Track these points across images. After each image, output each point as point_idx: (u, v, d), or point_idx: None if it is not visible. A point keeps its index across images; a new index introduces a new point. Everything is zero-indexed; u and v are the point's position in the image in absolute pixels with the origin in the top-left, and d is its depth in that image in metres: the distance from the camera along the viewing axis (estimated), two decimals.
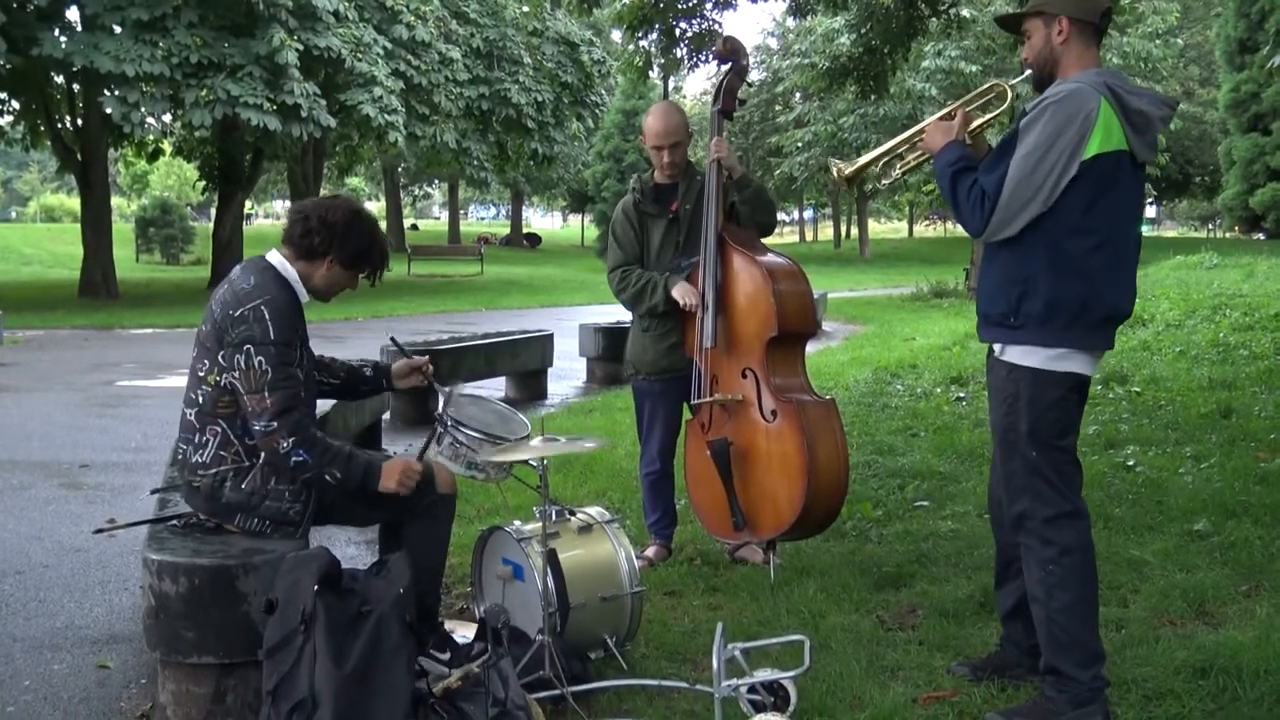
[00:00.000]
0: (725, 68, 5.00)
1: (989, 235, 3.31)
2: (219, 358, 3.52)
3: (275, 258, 3.67)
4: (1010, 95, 3.69)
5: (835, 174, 3.98)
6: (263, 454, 3.57)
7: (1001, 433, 3.39)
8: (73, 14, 21.79)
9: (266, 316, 3.48)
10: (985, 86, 3.78)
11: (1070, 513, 3.32)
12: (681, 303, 4.75)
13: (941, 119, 3.59)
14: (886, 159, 3.85)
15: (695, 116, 44.32)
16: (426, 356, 4.18)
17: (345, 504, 3.76)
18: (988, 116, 3.67)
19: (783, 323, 4.58)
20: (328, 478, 3.56)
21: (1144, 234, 3.53)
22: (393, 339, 4.78)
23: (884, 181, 3.96)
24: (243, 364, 3.46)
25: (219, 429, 3.59)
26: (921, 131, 3.67)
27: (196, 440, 3.61)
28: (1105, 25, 3.42)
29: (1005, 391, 3.36)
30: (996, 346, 3.42)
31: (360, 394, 4.23)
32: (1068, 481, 3.35)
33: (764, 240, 4.96)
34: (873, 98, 12.25)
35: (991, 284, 3.39)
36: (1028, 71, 3.47)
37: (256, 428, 3.49)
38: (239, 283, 3.58)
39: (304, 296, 3.68)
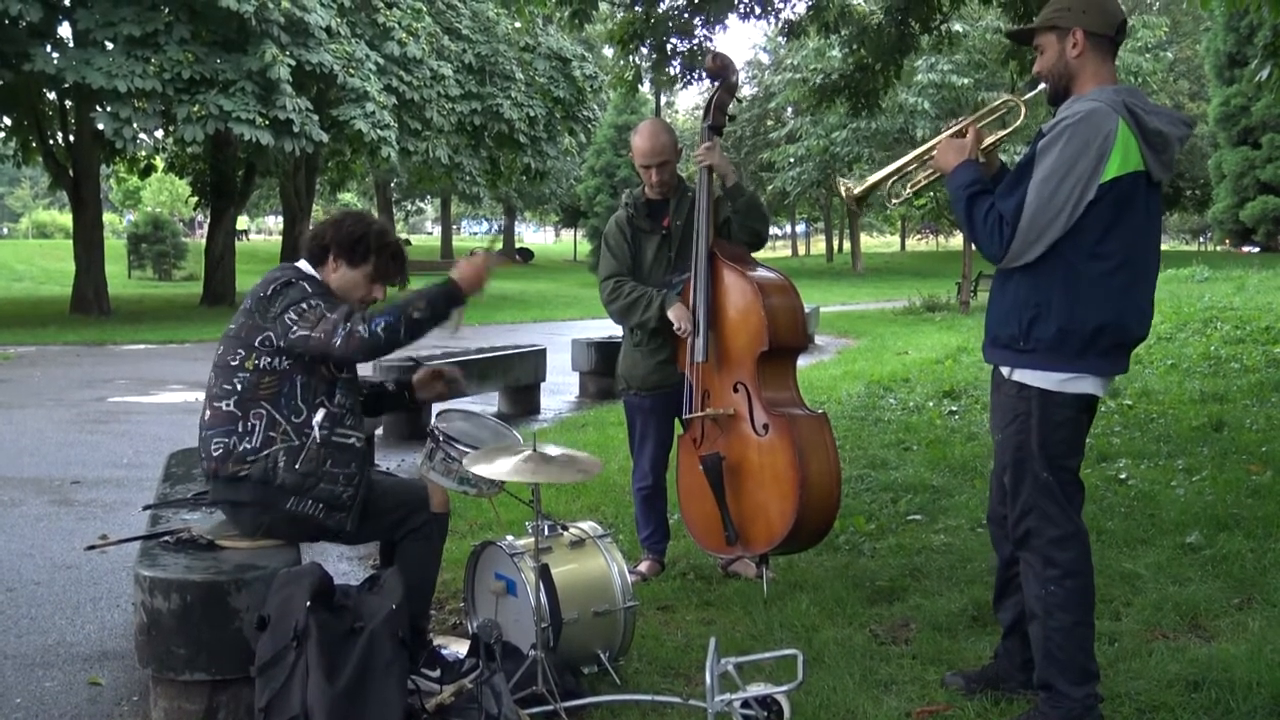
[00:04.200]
0: (715, 84, 5.02)
1: (1008, 261, 3.24)
2: (257, 342, 3.62)
3: (301, 263, 3.84)
4: (1024, 111, 3.59)
5: (844, 194, 3.89)
6: (337, 389, 3.68)
7: (1012, 451, 3.34)
8: (65, 30, 21.77)
9: (299, 283, 3.65)
10: (998, 101, 3.69)
11: (1073, 534, 3.30)
12: (676, 326, 4.75)
13: (953, 136, 3.50)
14: (896, 178, 3.75)
15: (687, 131, 44.48)
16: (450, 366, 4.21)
17: (364, 502, 3.76)
18: (1001, 134, 3.60)
19: (774, 337, 4.59)
20: (415, 315, 3.58)
21: None
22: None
23: (894, 201, 3.88)
24: (295, 318, 3.57)
25: (264, 411, 3.63)
26: (932, 149, 3.57)
27: (241, 429, 3.62)
28: (1121, 38, 3.34)
29: (1016, 410, 3.31)
30: (1005, 368, 3.36)
31: (383, 409, 4.31)
32: (1072, 502, 3.34)
33: (756, 251, 4.97)
34: (864, 114, 12.27)
35: (1003, 306, 3.33)
36: (1041, 86, 3.39)
37: (337, 343, 3.51)
38: (268, 275, 3.76)
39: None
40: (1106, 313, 3.19)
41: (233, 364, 3.65)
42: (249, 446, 3.61)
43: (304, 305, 3.58)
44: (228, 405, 3.65)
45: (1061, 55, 3.30)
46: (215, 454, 3.64)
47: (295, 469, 3.60)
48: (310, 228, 3.94)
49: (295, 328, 3.55)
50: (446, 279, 3.71)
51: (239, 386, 3.64)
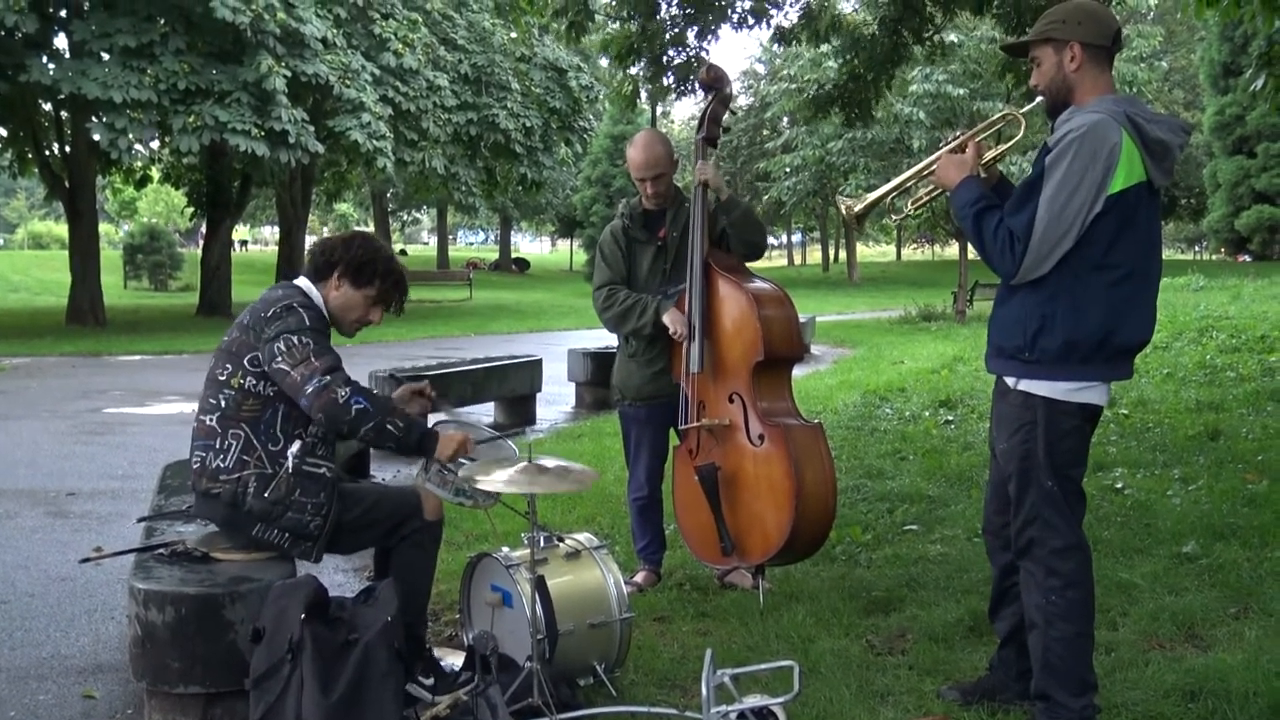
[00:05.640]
0: (709, 96, 5.02)
1: (1022, 277, 3.22)
2: (245, 361, 3.62)
3: (301, 280, 3.85)
4: (1023, 124, 3.59)
5: (844, 212, 3.87)
6: (313, 423, 3.64)
7: (1017, 461, 3.32)
8: (60, 41, 21.81)
9: (300, 311, 3.64)
10: (997, 115, 3.68)
11: (1076, 545, 3.30)
12: (671, 330, 4.76)
13: (953, 151, 3.49)
14: (896, 194, 3.75)
15: (683, 141, 44.55)
16: (426, 380, 4.18)
17: (332, 530, 3.75)
18: (1002, 148, 3.59)
19: (769, 348, 4.59)
20: (390, 427, 3.59)
21: None
22: (393, 376, 4.84)
23: (894, 218, 3.89)
24: (283, 349, 3.55)
25: (242, 433, 3.63)
26: (932, 165, 3.56)
27: (218, 445, 3.64)
28: (1118, 48, 3.32)
29: (1021, 420, 3.30)
30: (1009, 379, 3.35)
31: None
32: (1075, 512, 3.33)
33: (754, 262, 4.97)
34: (858, 124, 12.31)
35: (1008, 317, 3.32)
36: (1039, 98, 3.38)
37: (309, 389, 3.51)
38: (269, 294, 3.76)
39: (326, 317, 3.80)
40: (1112, 322, 3.19)
41: (220, 379, 3.67)
42: (221, 465, 3.63)
43: (295, 339, 3.57)
44: (210, 420, 3.67)
45: (1060, 68, 3.28)
46: (194, 467, 3.70)
47: (264, 496, 3.61)
48: (317, 241, 3.96)
49: (279, 359, 3.55)
50: (433, 431, 3.74)
51: (223, 403, 3.65)
